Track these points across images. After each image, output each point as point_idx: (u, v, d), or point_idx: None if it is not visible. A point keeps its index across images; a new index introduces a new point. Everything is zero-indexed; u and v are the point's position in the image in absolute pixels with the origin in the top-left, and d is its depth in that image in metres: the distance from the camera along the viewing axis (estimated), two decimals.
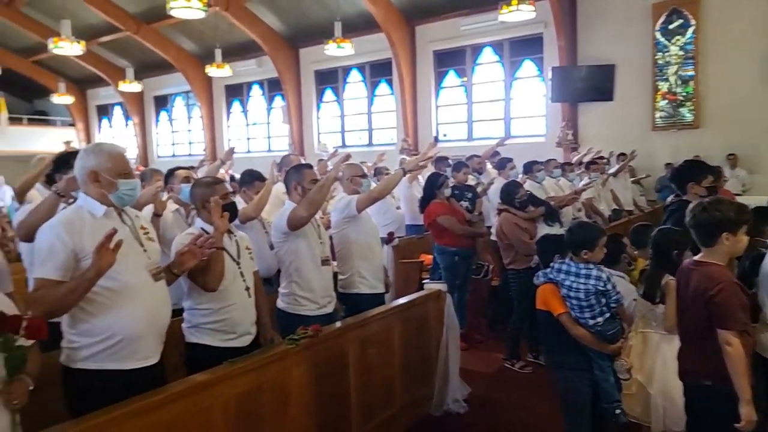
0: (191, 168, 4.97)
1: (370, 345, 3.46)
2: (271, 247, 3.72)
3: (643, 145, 9.56)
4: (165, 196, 3.79)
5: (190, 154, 16.41)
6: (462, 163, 6.23)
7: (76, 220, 2.32)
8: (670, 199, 4.20)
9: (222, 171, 5.84)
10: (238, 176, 5.60)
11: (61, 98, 16.82)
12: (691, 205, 2.50)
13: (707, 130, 9.64)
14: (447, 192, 5.25)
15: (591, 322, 2.87)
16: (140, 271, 2.39)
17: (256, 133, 15.87)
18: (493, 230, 5.36)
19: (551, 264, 3.06)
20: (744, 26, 9.14)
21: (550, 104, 10.99)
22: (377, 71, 13.30)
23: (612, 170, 8.08)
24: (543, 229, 4.78)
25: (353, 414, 3.31)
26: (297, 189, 3.49)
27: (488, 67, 12.00)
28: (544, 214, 5.01)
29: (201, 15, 8.69)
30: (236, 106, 16.09)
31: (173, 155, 17.36)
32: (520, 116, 11.70)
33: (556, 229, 4.70)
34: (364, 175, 4.13)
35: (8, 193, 9.82)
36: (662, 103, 10.02)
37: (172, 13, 8.53)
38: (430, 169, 6.15)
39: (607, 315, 2.89)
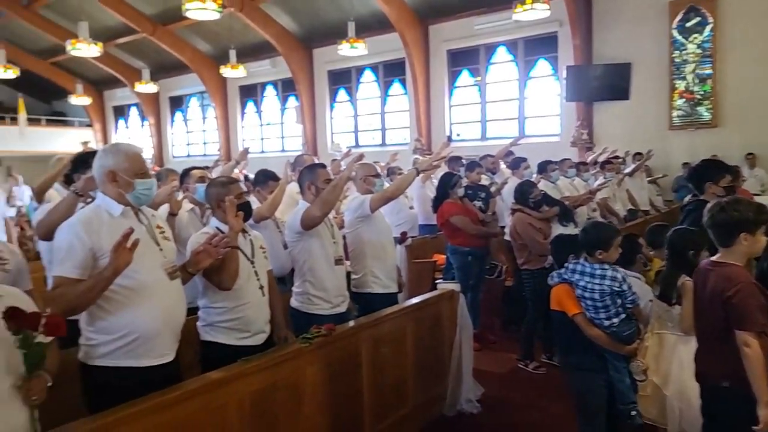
0: (206, 168, 5.01)
1: (383, 344, 3.46)
2: (285, 247, 3.74)
3: (659, 144, 9.45)
4: (180, 195, 3.82)
5: (204, 154, 16.55)
6: (475, 162, 6.21)
7: (94, 219, 2.35)
8: (687, 199, 4.15)
9: (236, 171, 5.87)
10: (252, 176, 5.63)
11: (79, 99, 17.05)
12: (708, 205, 2.47)
13: (725, 129, 9.50)
14: (460, 192, 5.24)
15: (606, 323, 2.85)
16: (156, 270, 2.42)
17: (270, 133, 15.95)
18: (506, 230, 5.34)
19: (565, 264, 3.04)
20: (763, 23, 9.00)
21: (564, 103, 10.90)
22: (390, 71, 13.30)
23: (628, 170, 8.00)
24: (557, 230, 4.75)
25: (366, 413, 3.32)
26: (311, 189, 3.51)
27: (502, 66, 11.94)
28: (558, 214, 4.98)
29: (216, 16, 8.75)
30: (250, 106, 16.18)
31: (188, 155, 17.52)
32: (535, 116, 11.63)
33: (571, 230, 4.67)
34: (377, 175, 4.13)
35: (27, 192, 9.96)
36: (679, 102, 9.89)
37: (188, 14, 8.61)
38: (444, 169, 6.14)
39: (623, 316, 2.86)
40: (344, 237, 3.94)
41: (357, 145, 13.30)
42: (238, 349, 2.78)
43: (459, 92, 12.51)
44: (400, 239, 5.59)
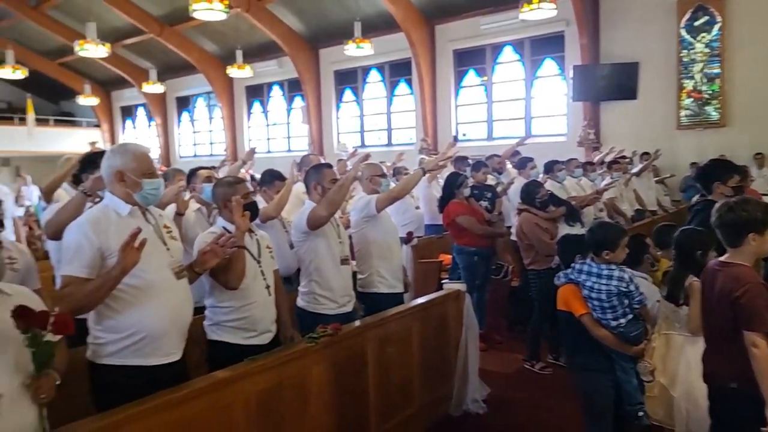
0: (213, 168, 5.03)
1: (389, 344, 3.46)
2: (291, 246, 3.75)
3: (667, 144, 9.40)
4: (187, 195, 3.84)
5: (211, 155, 16.61)
6: (481, 162, 6.20)
7: (102, 218, 2.36)
8: (695, 199, 4.13)
9: (242, 171, 5.90)
10: (258, 176, 5.65)
11: (87, 100, 17.15)
12: (717, 205, 2.46)
13: (734, 129, 9.43)
14: (466, 192, 5.24)
15: (613, 323, 2.84)
16: (163, 270, 2.43)
17: (276, 133, 15.99)
18: (513, 230, 5.33)
19: (572, 264, 3.03)
20: None
21: (571, 103, 10.87)
22: (397, 71, 13.30)
23: (635, 170, 7.97)
24: (564, 230, 4.74)
25: (372, 413, 3.32)
26: (317, 188, 3.51)
27: (508, 66, 11.91)
28: (564, 215, 4.97)
29: (222, 16, 8.77)
30: (257, 106, 16.23)
31: (195, 155, 17.58)
32: (541, 115, 11.59)
33: (577, 230, 4.66)
34: (383, 175, 4.13)
35: (35, 192, 10.03)
36: (687, 102, 9.83)
37: (195, 14, 8.64)
38: (450, 169, 6.14)
39: (630, 316, 2.85)
40: (350, 237, 3.94)
41: (363, 145, 13.30)
42: (245, 349, 2.79)
43: (465, 92, 12.50)
44: (406, 239, 5.59)
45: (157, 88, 15.26)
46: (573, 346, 3.07)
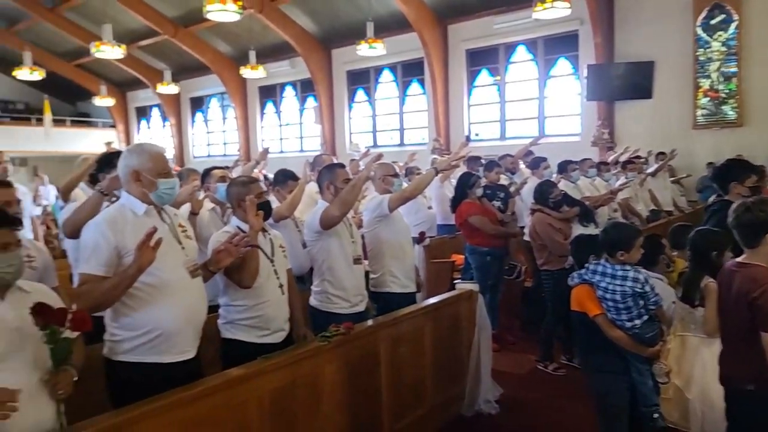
0: (226, 168, 5.07)
1: (401, 344, 3.47)
2: (304, 246, 3.77)
3: (683, 143, 9.29)
4: (201, 195, 3.88)
5: (224, 155, 16.72)
6: (494, 162, 6.18)
7: (118, 218, 2.40)
8: (711, 199, 4.09)
9: (256, 171, 5.93)
10: (271, 176, 5.68)
11: (103, 101, 17.35)
12: (733, 205, 2.43)
13: (751, 129, 9.31)
14: (479, 192, 5.22)
15: (628, 324, 2.81)
16: (178, 268, 2.46)
17: (289, 133, 16.06)
18: (526, 230, 5.31)
19: (586, 265, 3.01)
20: None
21: (585, 103, 10.79)
22: (409, 71, 13.29)
23: (650, 170, 7.89)
24: (577, 230, 4.70)
25: (384, 412, 3.32)
26: (329, 188, 3.53)
27: (522, 65, 11.86)
28: (578, 215, 4.93)
29: (236, 17, 8.83)
30: (270, 106, 16.31)
31: (208, 155, 17.72)
32: (555, 115, 11.52)
33: (591, 230, 4.62)
34: (395, 175, 4.14)
35: (52, 192, 10.18)
36: (704, 101, 9.72)
37: (209, 16, 8.71)
38: (463, 169, 6.13)
39: (646, 317, 2.83)
40: (363, 236, 3.95)
41: (375, 145, 13.32)
42: (258, 347, 2.81)
43: (478, 92, 12.46)
44: (419, 239, 5.59)
45: (171, 88, 15.40)
46: (587, 347, 3.05)
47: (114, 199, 2.98)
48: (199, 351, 2.56)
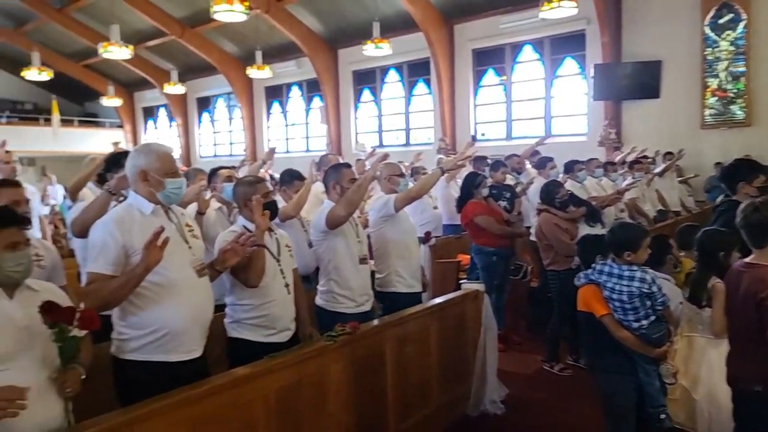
0: (233, 168, 5.09)
1: (407, 343, 3.47)
2: (310, 246, 3.78)
3: (691, 143, 9.24)
4: (208, 194, 3.89)
5: (231, 155, 16.78)
6: (500, 162, 6.17)
7: (126, 217, 2.41)
8: (719, 199, 4.07)
9: (262, 170, 5.95)
10: (277, 176, 5.69)
11: (110, 101, 17.45)
12: (741, 206, 2.42)
13: (759, 128, 9.24)
14: (485, 192, 5.21)
15: (635, 324, 2.80)
16: (185, 268, 2.47)
17: (295, 133, 16.09)
18: (532, 230, 5.29)
19: (593, 265, 3.00)
20: None
21: (592, 102, 10.75)
22: (415, 71, 13.29)
23: (658, 170, 7.85)
24: (584, 230, 4.69)
25: (390, 412, 3.33)
26: (335, 188, 3.53)
27: (528, 65, 11.83)
28: (585, 215, 4.92)
29: (243, 18, 8.85)
30: (276, 107, 16.35)
31: (215, 155, 17.78)
32: (561, 115, 11.49)
33: (598, 230, 4.61)
34: (401, 175, 4.14)
35: (60, 191, 10.24)
36: (712, 100, 9.66)
37: (216, 16, 8.74)
38: (469, 169, 6.12)
39: (653, 318, 2.81)
40: (368, 236, 3.95)
41: (381, 145, 13.31)
42: (264, 346, 2.82)
43: (484, 91, 12.44)
44: (424, 239, 5.59)
45: (178, 89, 15.47)
46: (594, 348, 3.04)
47: (122, 198, 2.99)
48: (206, 350, 2.57)
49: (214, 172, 4.20)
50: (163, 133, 19.65)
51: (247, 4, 8.41)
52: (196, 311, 2.48)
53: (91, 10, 14.63)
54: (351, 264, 3.48)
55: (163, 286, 2.38)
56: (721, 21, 9.42)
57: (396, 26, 11.97)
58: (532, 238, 5.27)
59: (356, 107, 14.45)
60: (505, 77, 12.09)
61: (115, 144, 6.63)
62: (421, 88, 13.39)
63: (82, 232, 2.94)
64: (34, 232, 4.91)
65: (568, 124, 11.41)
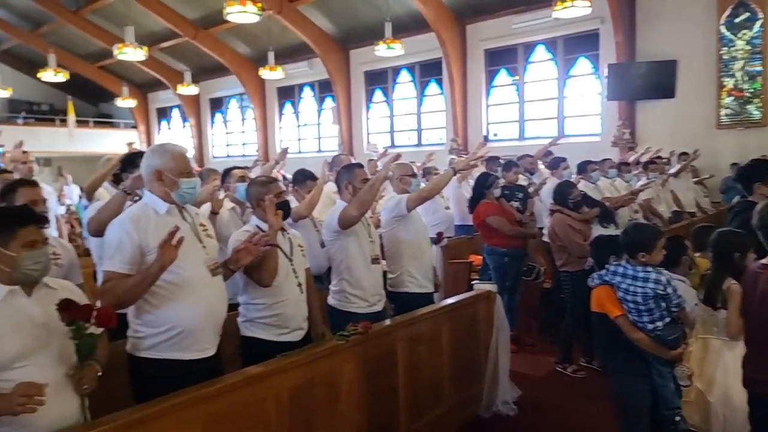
0: (246, 168, 5.12)
1: (419, 344, 3.47)
2: (322, 245, 3.79)
3: (706, 144, 9.14)
4: (222, 194, 3.92)
5: (243, 155, 16.86)
6: (512, 162, 6.15)
7: (141, 216, 2.44)
8: (735, 200, 4.02)
9: (274, 171, 5.98)
10: (290, 176, 5.72)
11: (125, 102, 17.64)
12: (758, 206, 2.40)
13: None
14: (497, 192, 5.20)
15: (650, 326, 2.78)
16: (199, 267, 2.49)
17: (307, 133, 16.15)
18: (545, 231, 5.27)
19: (606, 266, 2.98)
20: None
21: (605, 102, 10.67)
22: (427, 71, 13.27)
23: (672, 170, 7.77)
24: (597, 231, 4.66)
25: (402, 412, 3.33)
26: (348, 188, 3.54)
27: (541, 65, 11.76)
28: (598, 216, 4.89)
29: (255, 19, 8.91)
30: (288, 107, 16.42)
31: (227, 156, 17.89)
32: (574, 115, 11.42)
33: (611, 231, 4.57)
34: (413, 175, 4.14)
35: (76, 191, 10.37)
36: (728, 100, 9.54)
37: (229, 17, 8.80)
38: (481, 169, 6.10)
39: (668, 320, 2.79)
40: (381, 236, 3.96)
41: (393, 146, 13.30)
42: (277, 345, 2.84)
43: (496, 92, 12.39)
44: (436, 239, 5.58)
45: (191, 89, 15.59)
46: (608, 349, 3.02)
47: (137, 198, 3.03)
48: (219, 348, 2.59)
49: (227, 172, 4.23)
50: (176, 133, 19.80)
51: (259, 5, 8.46)
52: (209, 310, 2.50)
53: (106, 12, 14.79)
54: (363, 264, 3.49)
55: (178, 285, 2.40)
56: (737, 20, 9.31)
57: (408, 26, 11.96)
58: (545, 239, 5.25)
59: (368, 108, 14.46)
60: (517, 77, 12.04)
61: (130, 144, 6.71)
62: (433, 88, 13.37)
63: (98, 232, 2.98)
64: (51, 231, 4.98)
65: (581, 124, 11.33)
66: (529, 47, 11.72)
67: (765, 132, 9.17)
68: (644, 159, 7.90)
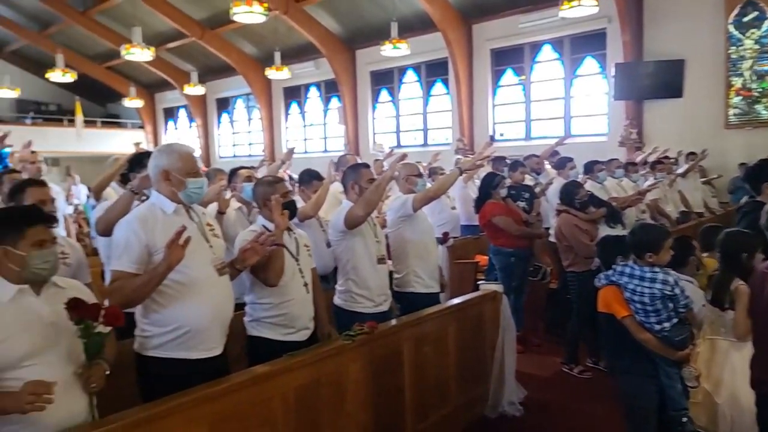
0: (252, 168, 5.14)
1: (425, 344, 3.47)
2: (328, 245, 3.80)
3: (714, 143, 9.08)
4: (228, 194, 3.93)
5: (250, 155, 16.91)
6: (519, 162, 6.13)
7: (149, 216, 2.45)
8: (743, 200, 4.00)
9: (281, 171, 5.99)
10: (296, 176, 5.73)
11: (132, 102, 17.72)
12: (766, 206, 2.38)
13: None
14: (503, 192, 5.18)
15: (657, 327, 2.77)
16: (206, 266, 2.50)
17: (313, 133, 16.17)
18: (551, 231, 5.25)
19: (613, 266, 2.97)
20: None
21: (612, 102, 10.62)
22: (433, 71, 13.26)
23: (680, 170, 7.73)
24: (604, 231, 4.64)
25: (408, 412, 3.33)
26: (354, 188, 3.55)
27: (547, 64, 11.73)
28: (605, 216, 4.87)
29: (262, 19, 8.92)
30: (294, 107, 16.45)
31: (234, 156, 17.94)
32: (581, 115, 11.37)
33: (618, 231, 4.56)
34: (419, 175, 4.14)
35: (83, 191, 10.43)
36: (736, 100, 9.48)
37: (235, 18, 8.82)
38: (487, 169, 6.09)
39: (675, 320, 2.78)
40: (387, 236, 3.96)
41: (399, 146, 13.31)
42: (283, 345, 2.84)
43: (503, 91, 12.36)
44: (442, 239, 5.57)
45: (198, 90, 15.64)
46: (615, 350, 3.01)
47: (144, 198, 3.04)
48: (226, 348, 2.60)
49: (234, 172, 4.25)
50: (183, 133, 19.87)
51: (266, 5, 8.48)
52: (216, 309, 2.51)
53: (114, 13, 14.87)
54: (369, 264, 3.49)
55: (185, 285, 2.41)
56: (745, 19, 9.24)
57: (414, 26, 11.96)
58: (552, 239, 5.24)
59: (374, 108, 14.46)
60: (524, 77, 12.01)
61: (137, 144, 6.74)
62: (439, 88, 13.35)
63: (106, 231, 2.99)
64: (59, 231, 5.02)
65: (588, 124, 11.29)
66: (536, 47, 11.68)
67: None
68: (652, 159, 7.87)
